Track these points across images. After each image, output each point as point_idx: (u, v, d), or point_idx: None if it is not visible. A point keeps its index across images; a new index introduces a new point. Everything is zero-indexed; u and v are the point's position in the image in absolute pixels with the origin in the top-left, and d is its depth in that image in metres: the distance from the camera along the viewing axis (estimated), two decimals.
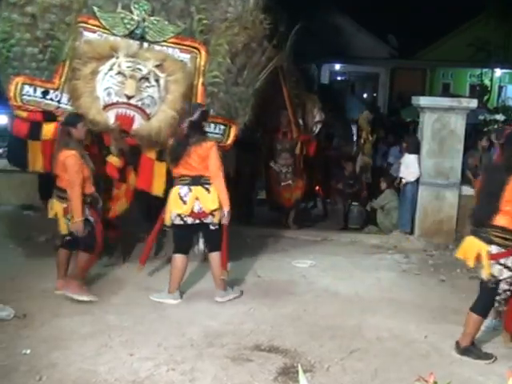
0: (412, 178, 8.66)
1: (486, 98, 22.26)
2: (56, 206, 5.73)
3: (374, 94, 25.62)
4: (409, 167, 8.67)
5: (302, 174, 9.47)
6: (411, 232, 8.77)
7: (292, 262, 7.20)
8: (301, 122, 9.26)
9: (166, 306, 5.66)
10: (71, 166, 5.48)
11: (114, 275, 6.53)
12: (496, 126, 14.66)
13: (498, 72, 24.73)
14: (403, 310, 5.87)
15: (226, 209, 5.66)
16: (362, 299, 6.13)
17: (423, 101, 8.94)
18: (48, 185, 9.15)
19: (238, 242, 7.88)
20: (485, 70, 24.08)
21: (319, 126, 9.68)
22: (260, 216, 9.79)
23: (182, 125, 5.76)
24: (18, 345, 4.70)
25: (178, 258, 5.81)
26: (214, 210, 5.66)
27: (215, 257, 5.84)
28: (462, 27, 24.56)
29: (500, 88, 25.29)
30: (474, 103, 8.88)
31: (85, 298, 5.64)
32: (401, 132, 12.54)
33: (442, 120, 8.68)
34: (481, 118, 16.04)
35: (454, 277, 7.06)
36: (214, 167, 5.63)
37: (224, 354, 4.68)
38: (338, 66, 24.74)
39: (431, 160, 8.70)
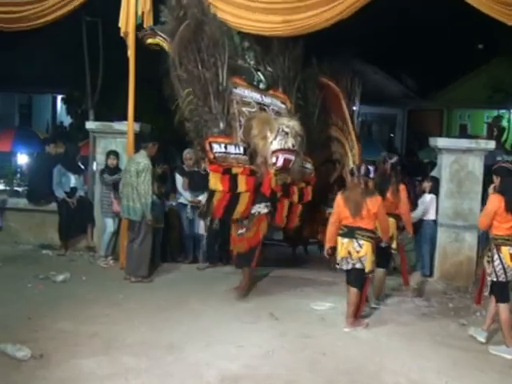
0: (431, 217, 8.63)
1: (503, 138, 22.17)
2: (366, 247, 6.37)
3: (392, 135, 25.66)
4: (427, 207, 8.64)
5: None
6: (430, 274, 8.68)
7: (310, 304, 7.13)
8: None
9: (184, 347, 5.61)
10: (382, 208, 6.49)
11: (125, 315, 6.51)
12: None
13: None
14: (423, 355, 5.77)
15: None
16: (382, 344, 6.03)
17: (441, 142, 8.94)
18: (68, 225, 9.33)
19: (255, 282, 7.86)
20: (502, 111, 24.05)
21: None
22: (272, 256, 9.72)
23: (385, 165, 7.25)
24: None
25: None
26: None
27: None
28: (479, 68, 24.63)
29: None
30: (491, 144, 8.87)
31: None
32: (417, 173, 12.48)
33: (459, 161, 8.67)
34: (499, 158, 15.97)
35: (474, 321, 6.93)
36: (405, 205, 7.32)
37: None
38: (354, 108, 24.85)
39: (450, 201, 8.67)
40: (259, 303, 7.04)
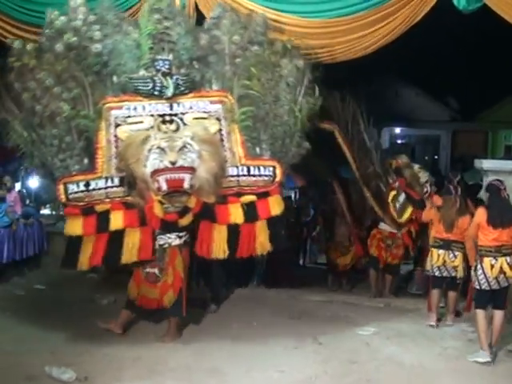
0: None
1: None
2: (459, 257, 7.17)
3: (436, 157, 25.35)
4: None
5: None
6: None
7: (354, 329, 7.04)
8: None
9: (226, 372, 5.60)
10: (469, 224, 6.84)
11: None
12: None
13: None
14: (469, 382, 5.64)
15: None
16: (427, 370, 5.91)
17: (486, 164, 8.79)
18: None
19: (298, 306, 7.82)
20: None
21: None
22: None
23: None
24: None
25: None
26: None
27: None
28: None
29: None
30: None
31: None
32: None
33: (505, 183, 8.49)
34: None
35: None
36: None
37: None
38: (398, 130, 24.67)
39: None
40: (302, 327, 6.99)
